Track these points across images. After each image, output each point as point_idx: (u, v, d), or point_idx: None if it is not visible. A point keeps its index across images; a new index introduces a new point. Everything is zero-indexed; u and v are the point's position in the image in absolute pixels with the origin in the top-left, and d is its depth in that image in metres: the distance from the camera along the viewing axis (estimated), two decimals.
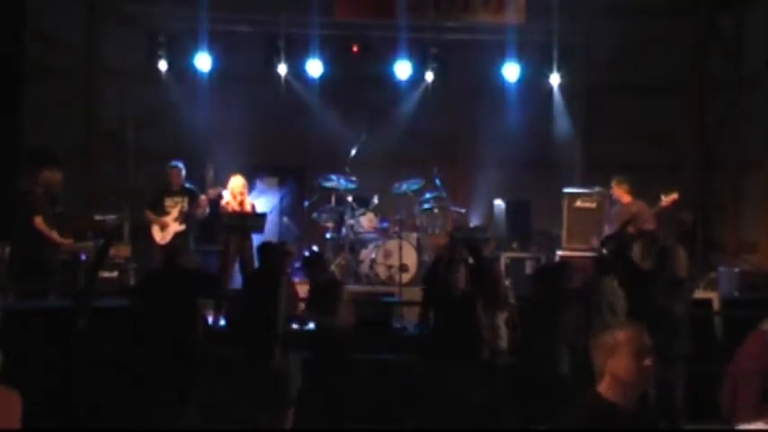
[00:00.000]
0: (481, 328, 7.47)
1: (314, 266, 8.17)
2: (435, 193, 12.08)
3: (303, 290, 8.51)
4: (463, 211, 12.40)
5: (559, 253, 11.59)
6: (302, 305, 8.17)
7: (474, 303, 7.38)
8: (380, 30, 13.28)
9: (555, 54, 13.07)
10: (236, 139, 12.79)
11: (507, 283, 9.37)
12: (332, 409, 7.54)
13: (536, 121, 13.48)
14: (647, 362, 3.55)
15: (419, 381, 7.38)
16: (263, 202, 11.74)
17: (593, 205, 11.70)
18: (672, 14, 13.80)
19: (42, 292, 9.62)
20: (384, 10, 12.88)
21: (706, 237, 13.20)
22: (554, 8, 12.89)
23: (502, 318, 7.79)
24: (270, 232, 10.84)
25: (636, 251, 10.15)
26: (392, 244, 11.42)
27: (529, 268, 11.45)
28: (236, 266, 10.47)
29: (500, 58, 13.22)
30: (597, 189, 11.49)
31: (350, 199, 11.78)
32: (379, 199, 12.03)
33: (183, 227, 10.46)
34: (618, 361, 3.54)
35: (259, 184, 11.68)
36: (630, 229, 10.00)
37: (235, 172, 11.02)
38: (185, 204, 10.48)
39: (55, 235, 9.67)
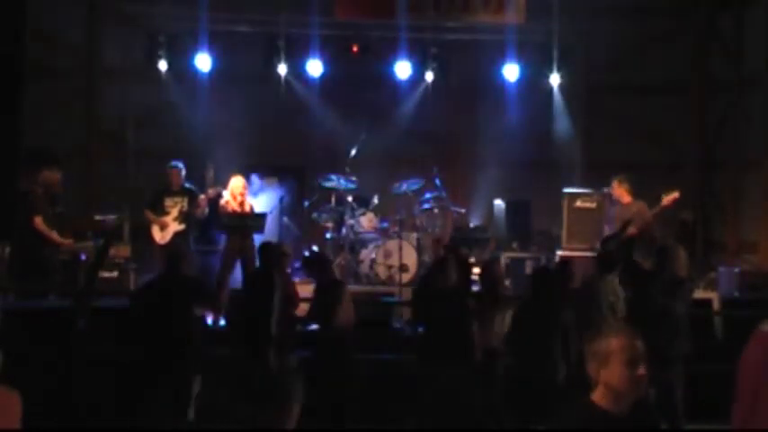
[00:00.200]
0: (471, 327, 7.47)
1: (313, 266, 8.17)
2: (435, 193, 12.09)
3: (306, 290, 8.51)
4: (463, 211, 12.40)
5: (559, 253, 11.59)
6: (304, 305, 8.17)
7: (463, 303, 7.38)
8: (380, 30, 13.28)
9: (555, 54, 13.07)
10: (236, 139, 12.80)
11: (507, 282, 9.37)
12: (332, 408, 7.54)
13: (536, 121, 13.48)
14: (641, 370, 3.51)
15: (414, 381, 7.38)
16: (263, 200, 11.73)
17: (593, 205, 11.69)
18: (672, 14, 13.80)
19: (42, 292, 9.63)
20: (384, 10, 12.88)
21: (706, 237, 13.20)
22: (554, 8, 12.89)
23: (502, 318, 7.77)
24: (270, 232, 10.83)
25: (636, 252, 10.13)
26: (392, 244, 11.42)
27: (529, 268, 11.45)
28: (237, 267, 10.47)
29: (500, 58, 13.23)
30: (603, 190, 11.45)
31: (350, 199, 11.78)
32: (379, 199, 12.03)
33: (182, 227, 10.46)
34: (611, 371, 3.51)
35: (255, 179, 11.65)
36: (631, 230, 10.01)
37: (235, 172, 11.02)
38: (185, 204, 10.48)
39: (55, 235, 9.67)
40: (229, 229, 10.40)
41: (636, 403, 3.58)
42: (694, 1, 13.84)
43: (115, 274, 10.72)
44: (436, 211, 12.00)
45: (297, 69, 13.14)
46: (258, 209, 11.15)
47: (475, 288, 10.44)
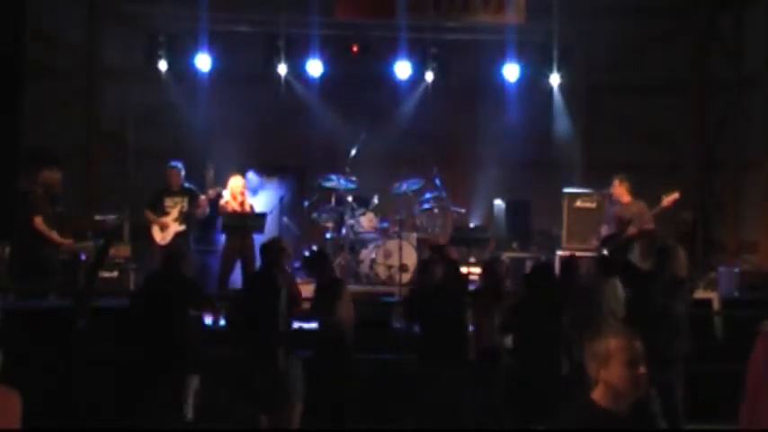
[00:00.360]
0: (464, 325, 7.48)
1: (313, 266, 8.16)
2: (435, 193, 12.09)
3: (307, 289, 8.50)
4: (463, 211, 12.40)
5: (559, 253, 11.59)
6: (306, 304, 8.16)
7: (452, 301, 7.37)
8: (380, 30, 13.27)
9: (555, 54, 13.06)
10: (236, 139, 12.79)
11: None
12: (332, 408, 7.54)
13: (536, 121, 13.48)
14: (641, 370, 3.54)
15: (413, 381, 7.38)
16: (263, 198, 11.72)
17: (593, 205, 11.70)
18: (672, 14, 13.80)
19: (42, 292, 9.63)
20: (384, 10, 12.88)
21: (706, 237, 13.19)
22: (554, 8, 12.88)
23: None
24: (270, 232, 10.83)
25: (636, 251, 10.14)
26: (392, 244, 11.42)
27: (529, 268, 11.44)
28: (237, 266, 10.47)
29: (500, 58, 13.22)
30: (603, 191, 11.45)
31: (350, 199, 11.78)
32: (379, 199, 12.03)
33: (182, 227, 10.46)
34: (611, 371, 3.53)
35: (253, 176, 11.62)
36: (631, 230, 10.01)
37: (234, 172, 11.01)
38: (185, 204, 10.47)
39: (55, 235, 9.67)
40: (229, 229, 10.40)
41: (636, 402, 3.59)
42: (694, 1, 13.83)
43: (115, 274, 10.72)
44: (436, 211, 12.00)
45: (297, 69, 13.14)
46: (258, 207, 11.16)
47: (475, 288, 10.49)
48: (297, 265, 10.63)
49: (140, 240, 11.02)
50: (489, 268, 7.94)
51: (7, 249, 9.41)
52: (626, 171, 10.78)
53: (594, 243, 10.64)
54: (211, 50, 12.89)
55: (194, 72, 12.99)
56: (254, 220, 10.51)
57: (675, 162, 13.70)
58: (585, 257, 10.03)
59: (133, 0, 13.16)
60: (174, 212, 10.49)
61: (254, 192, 11.57)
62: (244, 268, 10.26)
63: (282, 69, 13.01)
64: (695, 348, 7.05)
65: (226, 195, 10.60)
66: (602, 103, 13.89)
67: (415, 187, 12.12)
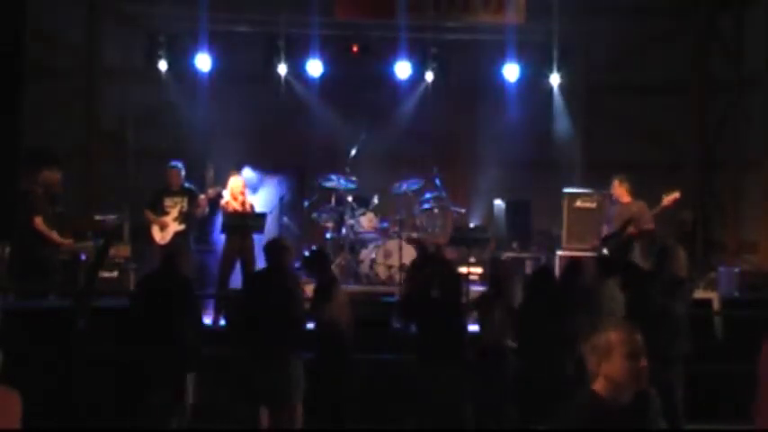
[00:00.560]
0: (463, 327, 7.47)
1: (313, 265, 8.16)
2: (435, 193, 12.09)
3: (308, 289, 8.49)
4: (463, 211, 12.40)
5: (559, 253, 11.59)
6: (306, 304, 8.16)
7: (450, 303, 7.37)
8: (380, 30, 13.27)
9: (555, 54, 13.06)
10: (236, 139, 12.79)
11: None
12: (331, 408, 7.54)
13: (536, 121, 13.48)
14: (641, 363, 3.55)
15: (409, 381, 7.38)
16: (263, 195, 11.71)
17: (594, 205, 11.70)
18: (672, 14, 13.80)
19: (42, 292, 9.63)
20: (384, 10, 12.87)
21: (706, 237, 13.19)
22: (554, 8, 12.88)
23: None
24: (270, 232, 10.83)
25: (636, 251, 10.14)
26: (392, 244, 11.43)
27: (529, 268, 11.45)
28: (237, 266, 10.47)
29: (500, 58, 13.22)
30: (603, 191, 11.44)
31: (350, 199, 11.79)
32: (379, 199, 12.04)
33: (182, 227, 10.45)
34: (612, 364, 3.54)
35: (250, 172, 11.60)
36: (631, 230, 10.01)
37: (233, 172, 11.00)
38: (185, 204, 10.47)
39: (55, 235, 9.67)
40: (229, 229, 10.40)
41: (636, 396, 3.61)
42: (694, 1, 13.83)
43: (115, 274, 10.73)
44: (436, 211, 12.00)
45: (297, 69, 13.14)
46: (259, 205, 11.16)
47: (479, 288, 10.50)
48: (297, 264, 10.63)
49: (140, 240, 11.02)
50: (494, 269, 7.96)
51: (7, 249, 9.41)
52: (626, 171, 10.78)
53: (595, 243, 10.65)
54: (211, 50, 12.89)
55: (194, 72, 12.99)
56: (255, 220, 10.51)
57: (675, 162, 13.70)
58: (586, 258, 10.05)
59: (133, 0, 13.16)
60: (174, 212, 10.49)
61: (254, 189, 11.57)
62: (244, 268, 10.26)
63: (282, 69, 13.01)
64: (695, 348, 7.05)
65: (226, 195, 10.60)
66: (602, 103, 13.89)
67: (415, 187, 12.13)
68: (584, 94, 13.98)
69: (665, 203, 10.24)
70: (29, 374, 6.18)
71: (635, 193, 10.56)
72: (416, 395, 7.19)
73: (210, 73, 13.03)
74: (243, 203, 10.57)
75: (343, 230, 11.71)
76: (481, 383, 7.27)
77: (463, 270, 10.34)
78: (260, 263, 9.15)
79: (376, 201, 11.99)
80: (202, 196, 10.53)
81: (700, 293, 9.81)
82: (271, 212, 11.32)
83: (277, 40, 12.96)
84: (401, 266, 11.13)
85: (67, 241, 9.94)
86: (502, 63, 13.22)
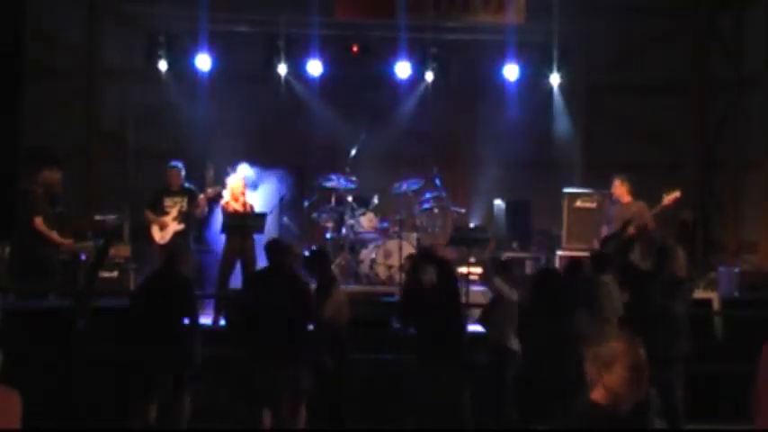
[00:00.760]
0: (461, 327, 7.47)
1: (313, 265, 8.17)
2: (435, 193, 12.09)
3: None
4: (463, 211, 12.40)
5: (559, 253, 11.59)
6: None
7: (449, 304, 7.36)
8: (380, 30, 13.27)
9: (555, 54, 13.06)
10: (237, 139, 12.78)
11: None
12: (332, 408, 7.54)
13: (536, 121, 13.47)
14: (644, 375, 3.55)
15: (409, 381, 7.38)
16: (264, 191, 11.68)
17: (594, 205, 11.71)
18: (672, 14, 13.80)
19: (42, 292, 9.63)
20: (384, 10, 12.87)
21: (706, 237, 13.19)
22: (554, 8, 12.88)
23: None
24: (270, 232, 10.82)
25: (636, 251, 10.14)
26: (392, 244, 11.43)
27: (529, 268, 11.45)
28: (237, 267, 10.46)
29: (500, 58, 13.22)
30: (604, 191, 11.43)
31: (350, 199, 11.78)
32: (379, 199, 12.04)
33: (181, 226, 10.45)
34: (613, 374, 3.54)
35: (247, 168, 11.56)
36: (631, 230, 10.00)
37: (231, 172, 10.99)
38: (184, 204, 10.47)
39: (55, 235, 9.67)
40: (229, 229, 10.39)
41: (636, 403, 3.61)
42: (694, 1, 13.83)
43: (115, 274, 10.73)
44: (436, 211, 12.01)
45: (297, 69, 13.14)
46: (260, 202, 11.15)
47: (479, 288, 10.50)
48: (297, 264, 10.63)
49: (140, 240, 11.02)
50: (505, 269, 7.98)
51: (7, 249, 9.41)
52: (626, 171, 10.79)
53: (595, 244, 10.64)
54: (211, 50, 12.89)
55: (194, 72, 12.99)
56: (255, 221, 10.50)
57: (675, 162, 13.69)
58: (584, 257, 10.05)
59: (133, 0, 13.15)
60: (174, 212, 10.49)
61: (255, 186, 11.55)
62: (244, 268, 10.25)
63: (282, 69, 13.01)
64: (695, 348, 7.05)
65: (226, 195, 10.60)
66: (602, 103, 13.89)
67: (415, 187, 12.13)
68: (584, 94, 13.97)
69: (666, 203, 10.24)
70: (29, 374, 6.19)
71: (635, 193, 10.56)
72: (416, 395, 7.19)
73: (210, 73, 13.02)
74: (243, 204, 10.57)
75: (343, 230, 11.70)
76: (482, 383, 7.28)
77: (463, 270, 10.34)
78: (260, 263, 9.15)
79: (376, 201, 11.99)
80: (202, 196, 10.53)
81: (700, 293, 9.80)
82: (271, 212, 11.31)
83: (277, 40, 12.96)
84: (401, 266, 11.12)
85: (67, 241, 9.94)
86: (502, 63, 13.22)
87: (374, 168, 12.57)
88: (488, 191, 13.24)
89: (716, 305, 10.02)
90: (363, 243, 11.75)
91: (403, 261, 10.25)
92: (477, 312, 8.39)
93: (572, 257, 10.61)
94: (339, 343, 7.50)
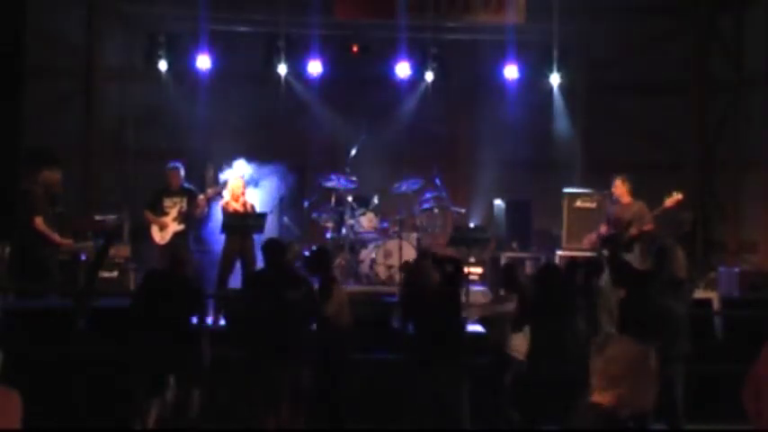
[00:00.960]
0: (461, 328, 7.46)
1: (314, 265, 8.16)
2: (435, 193, 12.09)
3: None
4: (463, 211, 12.40)
5: (559, 253, 11.59)
6: None
7: (451, 304, 7.36)
8: (380, 30, 13.27)
9: (555, 54, 13.05)
10: (237, 139, 12.78)
11: None
12: (332, 408, 7.53)
13: (536, 121, 13.47)
14: (649, 380, 3.55)
15: (409, 381, 7.37)
16: (265, 188, 11.66)
17: (593, 205, 11.71)
18: (672, 14, 13.80)
19: (42, 292, 9.63)
20: (384, 10, 12.87)
21: (706, 237, 13.18)
22: (554, 8, 12.87)
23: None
24: (270, 232, 10.82)
25: (636, 251, 10.13)
26: (392, 244, 11.43)
27: (529, 268, 11.45)
28: (237, 266, 10.46)
29: (500, 58, 13.21)
30: (604, 191, 11.42)
31: (350, 199, 11.78)
32: (379, 199, 12.03)
33: (181, 227, 10.45)
34: (619, 378, 3.54)
35: (244, 164, 11.55)
36: (632, 231, 10.00)
37: (230, 172, 10.99)
38: (184, 204, 10.47)
39: (55, 235, 9.67)
40: (229, 228, 10.39)
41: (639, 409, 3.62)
42: (694, 1, 13.83)
43: (115, 274, 10.73)
44: (436, 211, 12.00)
45: (297, 69, 13.13)
46: (262, 199, 11.15)
47: (479, 288, 10.49)
48: (297, 264, 10.63)
49: (140, 240, 11.02)
50: (505, 273, 7.97)
51: (7, 249, 9.41)
52: (626, 171, 10.78)
53: (592, 238, 10.62)
54: (211, 50, 12.88)
55: (194, 72, 12.99)
56: (255, 220, 10.50)
57: (675, 162, 13.69)
58: (585, 257, 10.05)
59: (133, 0, 13.15)
60: (173, 212, 10.49)
61: (256, 183, 11.55)
62: (244, 268, 10.25)
63: (282, 69, 13.01)
64: (695, 348, 7.05)
65: (226, 196, 10.60)
66: (602, 103, 13.89)
67: (415, 187, 12.13)
68: (584, 94, 13.97)
69: (668, 205, 10.22)
70: (29, 374, 6.19)
71: (635, 193, 10.56)
72: (416, 395, 7.19)
73: (210, 73, 13.02)
74: (243, 204, 10.57)
75: (343, 230, 11.70)
76: (481, 384, 7.28)
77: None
78: (261, 263, 9.14)
79: (376, 201, 11.98)
80: (201, 196, 10.53)
81: (700, 293, 9.80)
82: (271, 212, 11.31)
83: (277, 40, 12.95)
84: (401, 266, 11.12)
85: (67, 241, 9.94)
86: (502, 63, 13.22)
87: (374, 168, 12.56)
88: (488, 191, 13.24)
89: (716, 305, 10.02)
90: (363, 243, 11.75)
91: (402, 264, 10.24)
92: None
93: (569, 258, 10.62)
94: (340, 343, 7.50)
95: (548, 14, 12.88)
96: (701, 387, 7.79)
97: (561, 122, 13.71)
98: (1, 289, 9.27)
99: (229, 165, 11.07)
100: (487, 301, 8.91)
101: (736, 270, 11.13)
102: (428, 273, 7.43)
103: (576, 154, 13.92)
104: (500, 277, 8.34)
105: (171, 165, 10.66)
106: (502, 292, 8.04)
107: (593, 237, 10.63)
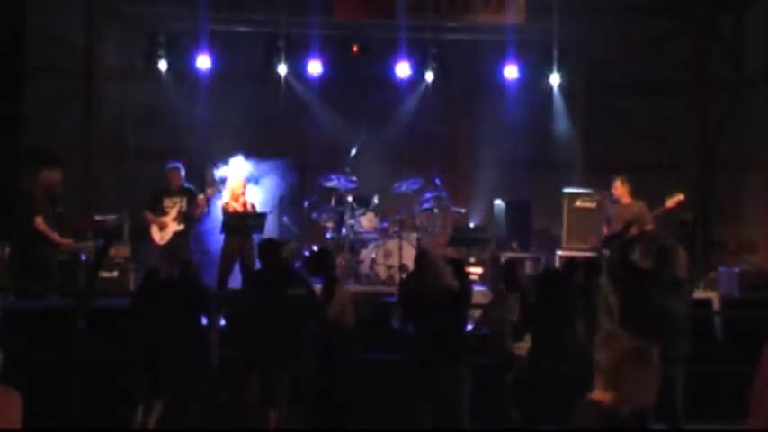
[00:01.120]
0: (461, 328, 7.46)
1: (314, 264, 8.16)
2: (435, 193, 12.09)
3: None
4: (463, 211, 12.40)
5: (559, 253, 11.59)
6: None
7: (454, 304, 7.35)
8: (380, 30, 13.27)
9: (555, 54, 13.06)
10: (237, 139, 12.77)
11: None
12: (332, 408, 7.53)
13: (536, 121, 13.47)
14: (651, 378, 3.55)
15: (409, 381, 7.37)
16: (265, 186, 11.65)
17: (593, 205, 11.71)
18: (672, 14, 13.80)
19: (42, 292, 9.63)
20: (384, 10, 12.87)
21: (706, 237, 13.18)
22: (554, 8, 12.87)
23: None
24: (270, 232, 10.82)
25: (636, 251, 10.13)
26: (392, 244, 11.43)
27: (529, 268, 11.45)
28: (236, 267, 10.46)
29: (500, 58, 13.22)
30: (604, 191, 11.42)
31: (350, 199, 11.78)
32: (379, 199, 12.03)
33: (181, 227, 10.45)
34: (619, 377, 3.54)
35: (242, 161, 11.52)
36: (633, 231, 10.00)
37: (231, 172, 10.99)
38: (184, 204, 10.47)
39: (55, 235, 9.67)
40: (229, 228, 10.40)
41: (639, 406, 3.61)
42: (694, 1, 13.83)
43: (115, 274, 10.73)
44: (436, 211, 12.00)
45: (297, 69, 13.13)
46: (262, 199, 11.14)
47: (479, 288, 10.49)
48: (297, 264, 10.63)
49: (140, 240, 11.02)
50: (507, 271, 7.96)
51: (7, 249, 9.41)
52: (626, 171, 10.78)
53: (594, 242, 10.64)
54: (211, 50, 12.88)
55: (194, 72, 12.99)
56: (255, 220, 10.51)
57: (675, 162, 13.70)
58: (585, 258, 10.06)
59: (133, 0, 13.15)
60: (173, 212, 10.49)
61: (256, 181, 11.54)
62: (244, 268, 10.26)
63: (282, 69, 13.00)
64: (695, 348, 7.05)
65: (226, 196, 10.60)
66: (602, 103, 13.89)
67: (415, 187, 12.12)
68: (584, 94, 13.97)
69: (669, 205, 10.22)
70: (29, 374, 6.19)
71: (635, 193, 10.56)
72: (416, 395, 7.19)
73: (210, 73, 13.02)
74: (243, 204, 10.57)
75: (343, 230, 11.70)
76: (482, 384, 7.27)
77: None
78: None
79: (376, 201, 11.98)
80: (201, 196, 10.53)
81: (700, 293, 9.80)
82: (271, 212, 11.31)
83: (277, 40, 12.95)
84: (401, 266, 11.13)
85: (67, 241, 9.94)
86: (502, 63, 13.22)
87: (374, 168, 12.56)
88: (488, 191, 13.24)
89: (716, 305, 10.02)
90: (363, 243, 11.75)
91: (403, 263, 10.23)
92: (477, 312, 8.35)
93: (569, 258, 10.62)
94: (342, 343, 7.49)
95: (548, 14, 12.88)
96: (701, 387, 7.79)
97: (561, 122, 13.71)
98: (1, 289, 9.28)
99: (226, 162, 11.07)
100: (487, 301, 8.89)
101: (736, 270, 11.13)
102: (440, 273, 7.39)
103: (575, 154, 13.91)
104: (500, 273, 8.33)
105: (171, 165, 10.67)
106: (501, 286, 8.01)
107: (596, 239, 10.64)
